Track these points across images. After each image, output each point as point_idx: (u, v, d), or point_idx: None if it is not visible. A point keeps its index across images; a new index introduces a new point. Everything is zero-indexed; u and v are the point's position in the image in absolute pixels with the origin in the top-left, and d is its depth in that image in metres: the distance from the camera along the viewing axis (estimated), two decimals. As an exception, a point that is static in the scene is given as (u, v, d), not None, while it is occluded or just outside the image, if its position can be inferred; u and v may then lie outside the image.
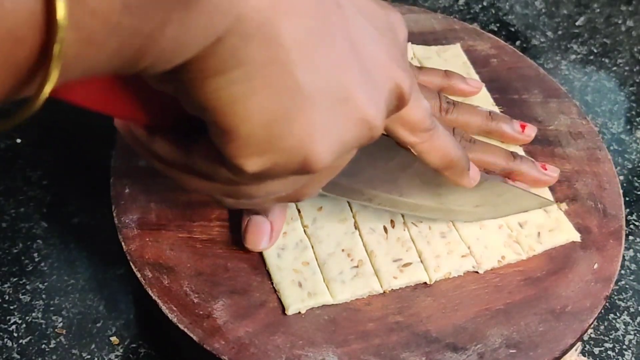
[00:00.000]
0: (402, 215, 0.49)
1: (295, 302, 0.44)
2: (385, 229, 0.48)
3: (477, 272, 0.47)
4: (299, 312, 0.44)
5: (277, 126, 0.29)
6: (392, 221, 0.48)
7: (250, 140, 0.29)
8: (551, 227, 0.49)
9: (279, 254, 0.46)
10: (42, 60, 0.22)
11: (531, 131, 0.54)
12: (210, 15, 0.25)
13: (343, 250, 0.47)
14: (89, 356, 0.47)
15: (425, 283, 0.47)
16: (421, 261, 0.47)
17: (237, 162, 0.30)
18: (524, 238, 0.49)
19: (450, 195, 0.47)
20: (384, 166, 0.43)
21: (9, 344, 0.48)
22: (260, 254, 0.47)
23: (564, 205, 0.51)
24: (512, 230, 0.49)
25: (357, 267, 0.46)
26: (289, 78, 0.28)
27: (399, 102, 0.34)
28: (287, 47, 0.28)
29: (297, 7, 0.28)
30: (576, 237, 0.49)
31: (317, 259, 0.47)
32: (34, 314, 0.49)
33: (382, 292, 0.46)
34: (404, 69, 0.34)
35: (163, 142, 0.34)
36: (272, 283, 0.46)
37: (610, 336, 0.51)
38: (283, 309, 0.45)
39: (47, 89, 0.23)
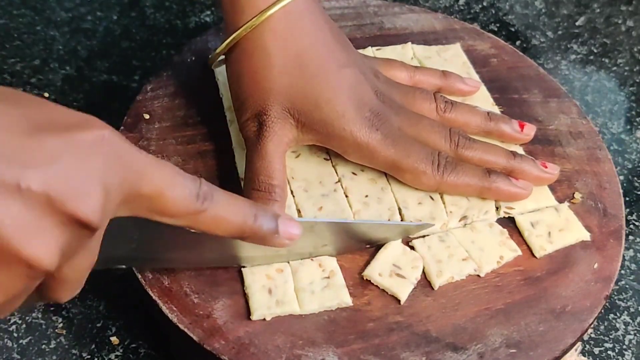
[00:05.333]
0: (400, 213, 0.49)
1: (261, 308, 0.44)
2: None
3: (478, 275, 0.47)
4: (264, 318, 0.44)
5: None
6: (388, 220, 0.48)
7: None
8: (561, 227, 0.49)
9: None
10: None
11: (530, 130, 0.54)
12: None
13: (312, 259, 0.46)
14: (89, 356, 0.47)
15: (426, 283, 0.47)
16: (423, 266, 0.47)
17: None
18: (535, 238, 0.49)
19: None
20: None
21: (9, 344, 0.48)
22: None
23: (578, 195, 0.51)
24: (504, 227, 0.49)
25: (328, 277, 0.46)
26: None
27: (83, 229, 0.29)
28: None
29: None
30: (586, 236, 0.49)
31: (290, 267, 0.46)
32: (34, 314, 0.49)
33: (351, 304, 0.45)
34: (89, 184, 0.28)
35: None
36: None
37: (610, 336, 0.51)
38: (283, 309, 0.45)
39: None
